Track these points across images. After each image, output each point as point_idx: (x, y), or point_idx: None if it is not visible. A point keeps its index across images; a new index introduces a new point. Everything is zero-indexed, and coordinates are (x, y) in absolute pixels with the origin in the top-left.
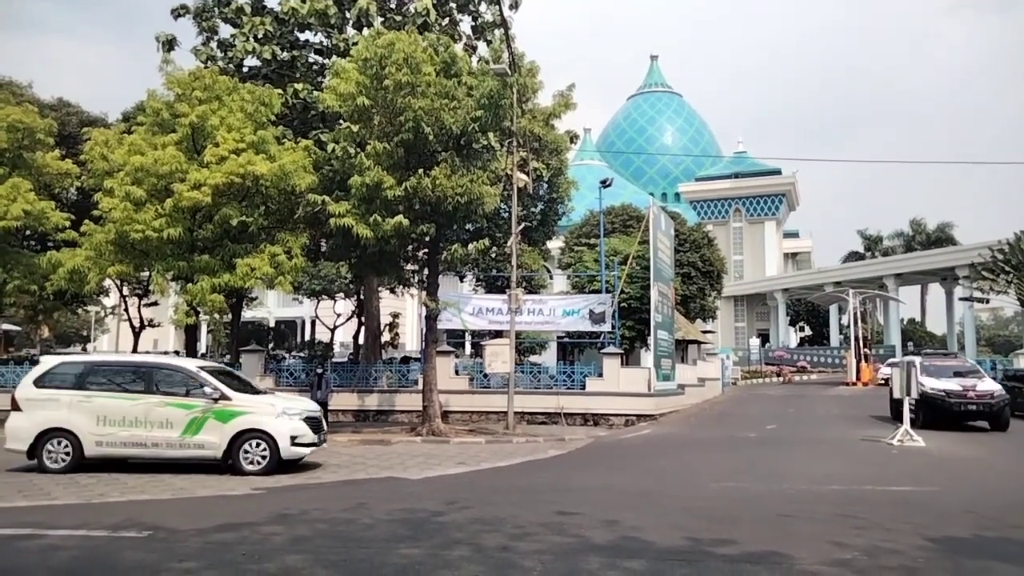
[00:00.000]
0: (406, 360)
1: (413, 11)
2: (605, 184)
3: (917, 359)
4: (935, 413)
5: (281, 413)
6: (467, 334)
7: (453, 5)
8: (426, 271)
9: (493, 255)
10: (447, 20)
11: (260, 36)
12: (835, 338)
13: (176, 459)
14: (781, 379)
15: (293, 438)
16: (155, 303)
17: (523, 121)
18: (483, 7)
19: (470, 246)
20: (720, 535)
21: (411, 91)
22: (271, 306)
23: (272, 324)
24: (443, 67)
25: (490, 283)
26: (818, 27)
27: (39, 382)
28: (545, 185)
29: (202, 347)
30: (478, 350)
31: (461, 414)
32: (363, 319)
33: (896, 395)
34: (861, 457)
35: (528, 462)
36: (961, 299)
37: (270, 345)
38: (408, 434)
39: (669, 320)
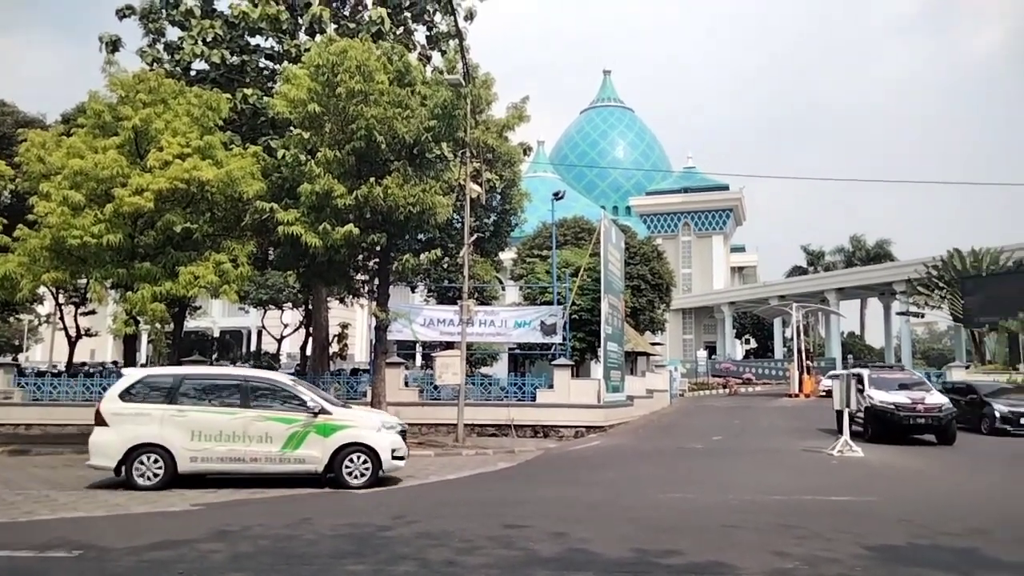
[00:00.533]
0: (355, 372)
1: (367, 19)
2: (557, 196)
3: (865, 371)
4: (884, 426)
5: (381, 427)
6: (418, 345)
7: (408, 15)
8: (376, 281)
9: (445, 266)
10: (402, 29)
11: (209, 39)
12: (779, 350)
13: (275, 473)
14: (727, 391)
15: (393, 451)
16: (92, 312)
17: (477, 132)
18: (438, 17)
19: (422, 256)
20: (666, 546)
21: (364, 99)
22: (216, 316)
23: (216, 334)
24: (397, 76)
25: (442, 294)
26: (766, 47)
27: (125, 395)
28: (498, 196)
29: (142, 357)
30: (429, 361)
31: (411, 427)
32: (311, 329)
33: (837, 407)
34: (803, 468)
35: (477, 475)
36: (898, 313)
37: (214, 356)
38: None
39: (619, 332)
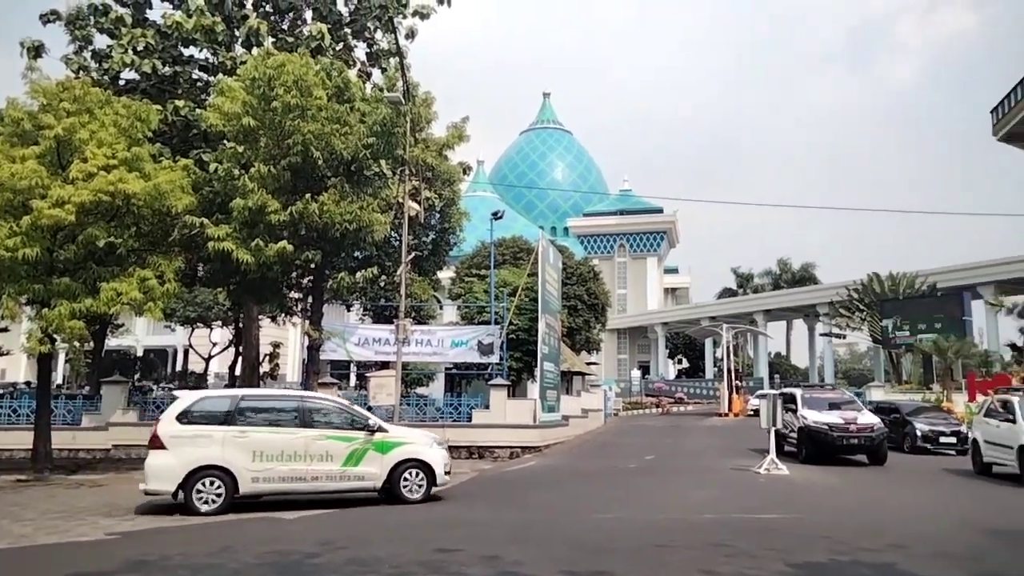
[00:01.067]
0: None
1: (307, 34)
2: (496, 216)
3: (799, 391)
4: (818, 447)
5: (433, 443)
6: (352, 365)
7: (348, 31)
8: (310, 299)
9: (382, 284)
10: (341, 45)
11: (140, 49)
12: (710, 370)
13: (335, 491)
14: (660, 410)
15: (444, 466)
16: (5, 329)
17: (416, 150)
18: (379, 35)
19: (358, 274)
20: (598, 567)
21: (301, 114)
22: (140, 334)
23: (140, 353)
24: (336, 92)
25: (378, 313)
26: (701, 75)
27: (182, 418)
28: (437, 215)
29: (58, 377)
30: (363, 382)
31: None
32: (241, 348)
33: (764, 426)
34: (731, 486)
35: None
36: (821, 335)
37: (136, 376)
38: None
39: (555, 352)
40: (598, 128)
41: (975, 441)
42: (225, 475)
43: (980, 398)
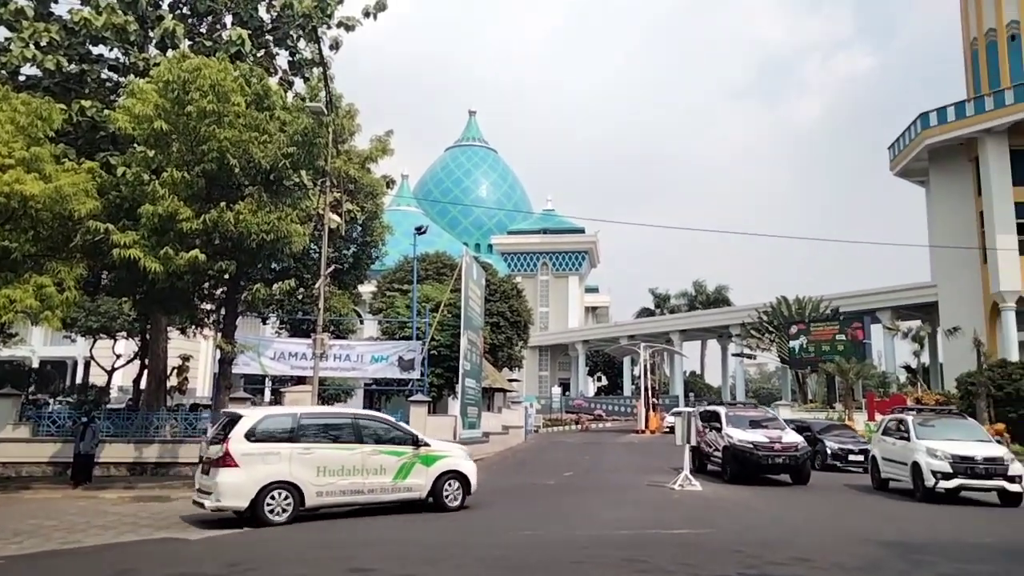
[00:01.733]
0: (196, 407)
1: (226, 39)
2: (420, 231)
3: (722, 409)
4: (743, 466)
5: (467, 456)
6: (267, 380)
7: (270, 38)
8: (223, 311)
9: (300, 297)
10: (263, 52)
11: (43, 44)
12: (628, 388)
13: (388, 502)
14: (579, 427)
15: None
16: None
17: (338, 162)
18: (302, 44)
19: (275, 286)
20: None
21: (217, 120)
22: (36, 344)
23: (36, 364)
24: (255, 99)
25: (295, 326)
26: (624, 102)
27: (250, 436)
28: (359, 228)
29: None
30: (279, 397)
31: None
32: (147, 361)
33: (678, 442)
34: (647, 502)
35: (324, 519)
36: (733, 355)
37: (30, 389)
38: (192, 489)
39: (477, 368)
40: (523, 148)
41: (874, 458)
42: (293, 489)
43: (879, 417)
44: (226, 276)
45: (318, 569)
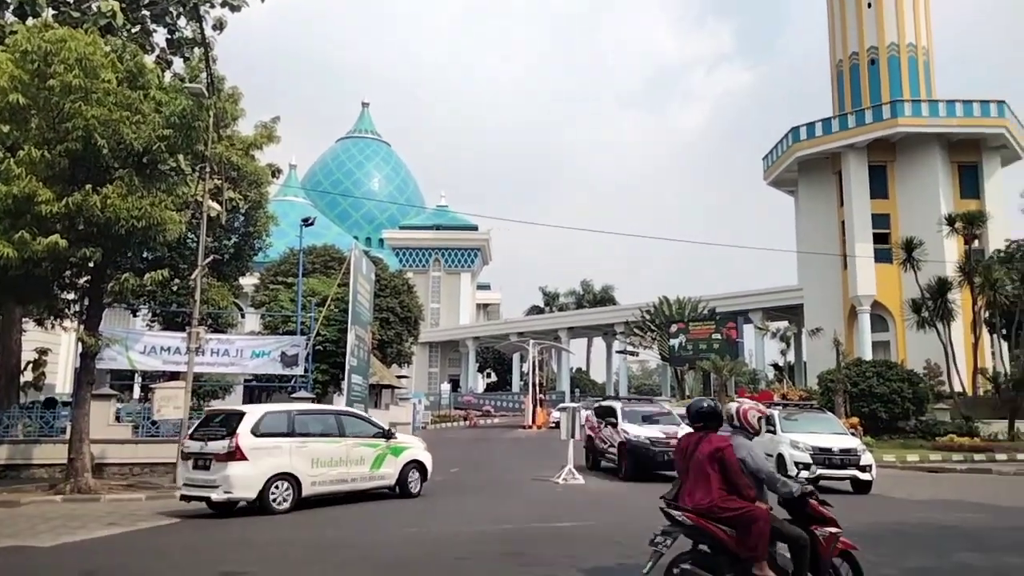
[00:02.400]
0: (52, 403)
1: (96, 10)
2: (307, 222)
3: (618, 404)
4: (639, 463)
5: (424, 447)
6: (137, 376)
7: (147, 13)
8: (87, 301)
9: (175, 288)
10: (139, 28)
11: None
12: (516, 384)
13: (366, 489)
14: (468, 423)
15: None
16: None
17: (220, 147)
18: (183, 22)
19: (146, 276)
20: None
21: (84, 96)
22: None
23: None
24: (128, 76)
25: (169, 319)
26: (518, 103)
27: (255, 432)
28: (241, 217)
29: None
30: (149, 394)
31: (121, 467)
32: None
33: (563, 437)
34: (531, 497)
35: (197, 518)
36: (617, 352)
37: None
38: (46, 493)
39: (365, 364)
40: (417, 144)
41: None
42: (293, 480)
43: None
44: (91, 264)
45: (188, 572)
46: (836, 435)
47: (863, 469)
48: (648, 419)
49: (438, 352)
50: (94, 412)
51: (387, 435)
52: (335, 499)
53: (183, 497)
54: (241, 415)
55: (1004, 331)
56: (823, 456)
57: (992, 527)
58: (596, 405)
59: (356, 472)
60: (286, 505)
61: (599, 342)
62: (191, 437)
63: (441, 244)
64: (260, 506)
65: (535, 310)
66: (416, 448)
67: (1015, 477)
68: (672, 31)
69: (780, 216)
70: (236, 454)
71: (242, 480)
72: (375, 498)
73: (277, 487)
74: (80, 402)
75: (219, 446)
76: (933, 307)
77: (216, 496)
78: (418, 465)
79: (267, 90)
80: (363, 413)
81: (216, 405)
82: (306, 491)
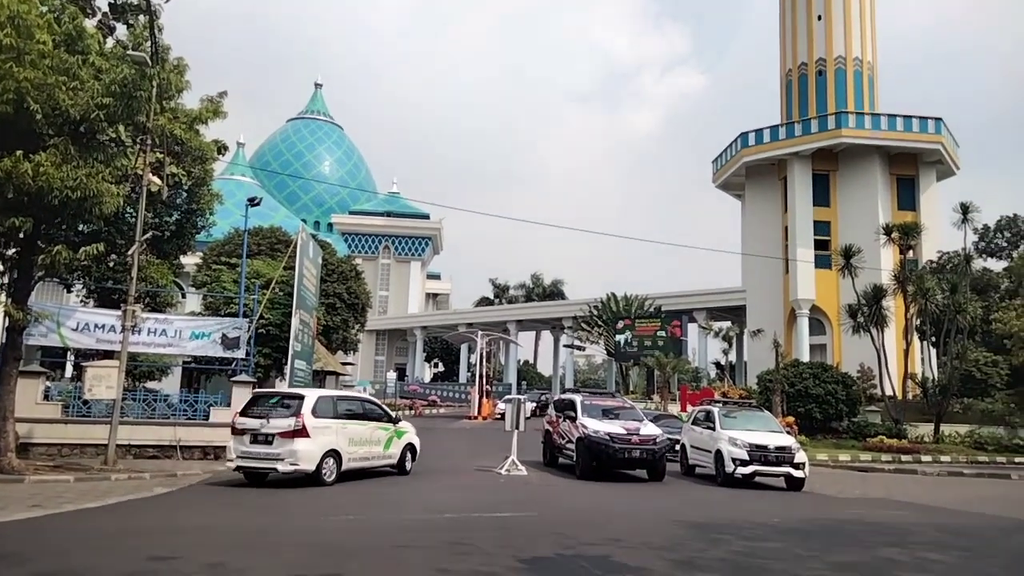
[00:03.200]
0: None
1: None
2: (253, 202)
3: (578, 397)
4: (597, 460)
5: (415, 431)
6: (69, 353)
7: None
8: (15, 273)
9: (111, 264)
10: None
11: None
12: (463, 375)
13: (378, 467)
14: (413, 412)
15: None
16: None
17: (162, 119)
18: None
19: (80, 250)
20: (330, 570)
21: (16, 57)
22: None
23: None
24: (65, 40)
25: (104, 295)
26: (472, 93)
27: (314, 413)
28: (184, 194)
29: None
30: (82, 373)
31: (49, 447)
32: None
33: (507, 428)
34: (474, 486)
35: (126, 502)
36: (565, 346)
37: None
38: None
39: (309, 349)
40: (370, 129)
41: (683, 446)
42: (338, 456)
43: (690, 408)
44: (20, 234)
45: (113, 558)
46: (772, 433)
47: (796, 467)
48: (609, 413)
49: (385, 340)
50: (21, 390)
51: (395, 420)
52: (359, 474)
53: (238, 468)
54: (302, 397)
55: (933, 339)
56: (759, 453)
57: (915, 524)
58: (557, 397)
59: (375, 452)
60: (332, 478)
61: (547, 335)
62: (243, 415)
63: (392, 231)
64: (314, 477)
65: (485, 301)
66: (411, 433)
67: (938, 478)
68: (627, 32)
69: (727, 218)
70: (302, 432)
71: (306, 455)
72: (379, 475)
73: (327, 462)
74: (5, 378)
75: (285, 424)
76: (868, 313)
77: (283, 467)
78: (411, 448)
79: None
80: (377, 400)
81: (152, 386)
82: (345, 467)
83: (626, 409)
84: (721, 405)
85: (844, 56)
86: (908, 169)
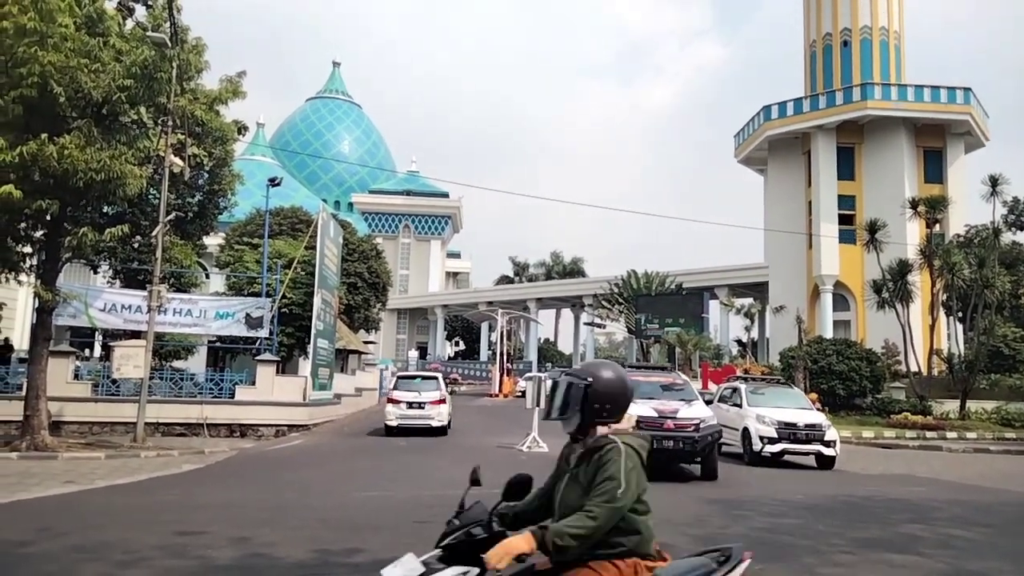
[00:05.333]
0: (4, 358)
1: None
2: (274, 182)
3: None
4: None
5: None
6: (98, 333)
7: None
8: (44, 255)
9: (135, 245)
10: None
11: None
12: (484, 353)
13: (432, 428)
14: None
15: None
16: None
17: (183, 100)
18: None
19: (106, 232)
20: (352, 545)
21: (39, 41)
22: None
23: None
24: (87, 22)
25: (130, 276)
26: (490, 70)
27: (395, 385)
28: (206, 175)
29: None
30: (110, 352)
31: (80, 425)
32: None
33: (528, 405)
34: (495, 463)
35: (155, 478)
36: (585, 324)
37: None
38: (1, 449)
39: (331, 329)
40: (389, 108)
41: None
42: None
43: (712, 386)
44: (47, 217)
45: (143, 532)
46: (802, 410)
47: (827, 444)
48: (650, 392)
49: (406, 319)
50: (52, 369)
51: (443, 390)
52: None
53: (396, 428)
54: (436, 378)
55: (960, 314)
56: (789, 431)
57: (938, 501)
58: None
59: (427, 414)
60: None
61: (567, 313)
62: (396, 389)
63: (411, 210)
64: (445, 430)
65: (504, 280)
66: (450, 404)
67: (963, 455)
68: (644, 3)
69: (749, 193)
70: (444, 400)
71: (446, 415)
72: (428, 432)
73: (449, 420)
74: (36, 358)
75: (434, 395)
76: (893, 288)
77: (435, 423)
78: (449, 414)
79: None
80: (435, 374)
81: (178, 365)
82: (391, 424)
83: (675, 387)
84: (748, 382)
85: (870, 26)
86: (935, 141)
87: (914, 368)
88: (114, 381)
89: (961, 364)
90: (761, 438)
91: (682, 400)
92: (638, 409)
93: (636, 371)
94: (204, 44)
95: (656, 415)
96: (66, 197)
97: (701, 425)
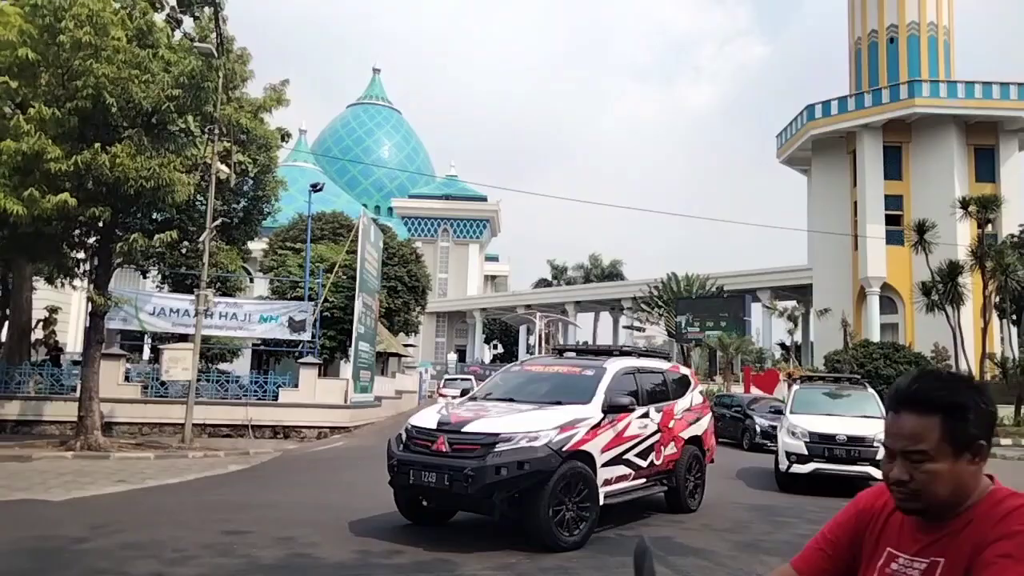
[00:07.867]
0: (55, 360)
1: None
2: (316, 188)
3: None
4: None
5: None
6: (147, 337)
7: None
8: (96, 260)
9: (183, 251)
10: None
11: None
12: (523, 355)
13: None
14: None
15: None
16: None
17: (228, 109)
18: None
19: (155, 237)
20: (393, 547)
21: (94, 53)
22: None
23: None
24: (137, 35)
25: (178, 281)
26: (528, 75)
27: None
28: (250, 181)
29: None
30: (159, 355)
31: (130, 426)
32: (8, 312)
33: None
34: None
35: (203, 478)
36: (624, 327)
37: None
38: (57, 448)
39: (372, 332)
40: (427, 112)
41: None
42: None
43: (754, 389)
44: (100, 223)
45: (192, 531)
46: (860, 419)
47: (879, 465)
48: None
49: (445, 322)
50: (104, 371)
51: None
52: None
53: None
54: (470, 379)
55: (1014, 316)
56: (823, 446)
57: None
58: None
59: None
60: None
61: (606, 316)
62: (445, 385)
63: (450, 214)
64: None
65: (543, 283)
66: None
67: (1019, 462)
68: (686, 4)
69: (791, 195)
70: (439, 394)
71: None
72: None
73: None
74: (89, 360)
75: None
76: (943, 290)
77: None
78: None
79: (277, 53)
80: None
81: (224, 368)
82: None
83: (580, 382)
84: (802, 381)
85: (918, 21)
86: (987, 139)
87: (965, 372)
88: (163, 383)
89: (1016, 368)
90: (788, 455)
91: (577, 402)
92: (423, 419)
93: (557, 359)
94: (249, 54)
95: (432, 427)
96: (118, 204)
97: (498, 447)
